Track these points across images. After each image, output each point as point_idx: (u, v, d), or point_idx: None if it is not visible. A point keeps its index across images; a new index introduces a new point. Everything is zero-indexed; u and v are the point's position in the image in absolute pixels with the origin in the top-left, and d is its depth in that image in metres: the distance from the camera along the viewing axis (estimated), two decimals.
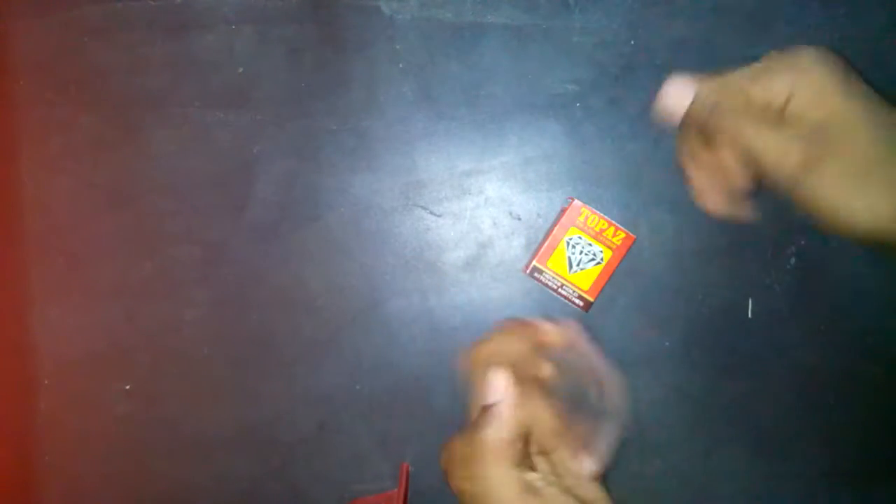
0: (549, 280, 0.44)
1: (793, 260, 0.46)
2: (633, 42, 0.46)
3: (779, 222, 0.45)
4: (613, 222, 0.43)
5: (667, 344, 0.46)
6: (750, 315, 0.46)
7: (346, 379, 0.48)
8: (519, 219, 0.47)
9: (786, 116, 0.36)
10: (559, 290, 0.44)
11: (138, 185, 0.48)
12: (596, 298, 0.44)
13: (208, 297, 0.48)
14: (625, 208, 0.46)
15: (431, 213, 0.47)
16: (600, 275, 0.44)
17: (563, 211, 0.44)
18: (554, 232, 0.44)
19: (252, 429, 0.48)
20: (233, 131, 0.47)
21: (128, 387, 0.48)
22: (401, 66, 0.47)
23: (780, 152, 0.35)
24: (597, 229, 0.43)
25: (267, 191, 0.47)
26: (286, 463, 0.48)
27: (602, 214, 0.43)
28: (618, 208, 0.45)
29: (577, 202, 0.44)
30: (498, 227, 0.47)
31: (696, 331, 0.46)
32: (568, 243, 0.44)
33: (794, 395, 0.46)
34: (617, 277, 0.43)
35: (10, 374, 0.48)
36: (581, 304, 0.44)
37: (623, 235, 0.43)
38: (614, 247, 0.43)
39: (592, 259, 0.44)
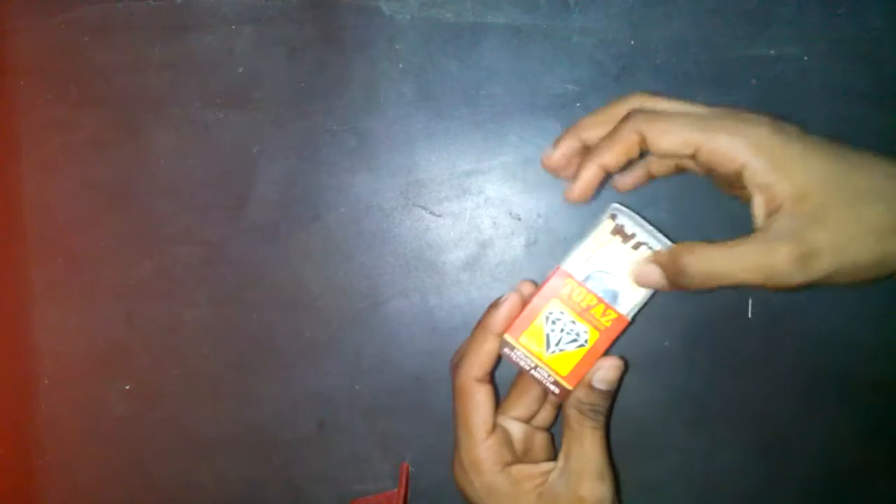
0: (520, 359, 0.37)
1: None
2: (633, 42, 0.46)
3: None
4: (604, 300, 0.36)
5: (667, 344, 0.46)
6: (750, 315, 0.46)
7: (346, 379, 0.48)
8: (519, 219, 0.47)
9: (747, 191, 0.33)
10: (532, 371, 0.37)
11: (138, 185, 0.48)
12: (576, 386, 0.37)
13: (208, 297, 0.48)
14: None
15: (431, 213, 0.47)
16: (583, 360, 0.36)
17: (547, 278, 0.37)
18: (533, 302, 0.37)
19: (252, 429, 0.48)
20: (233, 131, 0.47)
21: (128, 387, 0.48)
22: (401, 66, 0.47)
23: (765, 268, 0.32)
24: (584, 305, 0.36)
25: (267, 191, 0.47)
26: (286, 463, 0.48)
27: (591, 289, 0.36)
28: None
29: (563, 268, 0.37)
30: (498, 227, 0.47)
31: (696, 331, 0.46)
32: (548, 317, 0.37)
33: (794, 395, 0.46)
34: None
35: (10, 374, 0.48)
36: (557, 391, 0.37)
37: (614, 316, 0.36)
38: (603, 328, 0.36)
39: (575, 340, 0.37)
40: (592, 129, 0.37)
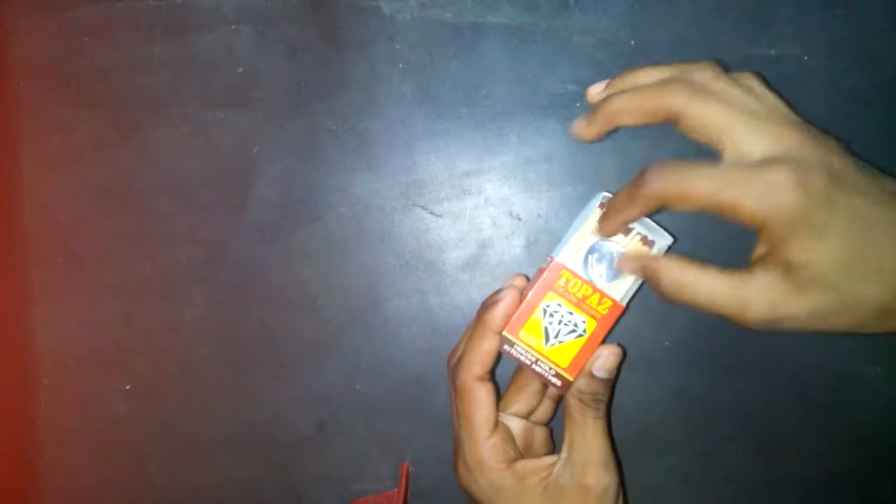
0: (520, 354, 0.37)
1: None
2: (633, 42, 0.46)
3: None
4: (599, 288, 0.37)
5: (667, 344, 0.46)
6: None
7: (346, 379, 0.48)
8: (519, 219, 0.47)
9: (759, 242, 0.32)
10: (533, 365, 0.37)
11: (138, 185, 0.48)
12: (577, 377, 0.37)
13: (208, 297, 0.48)
14: None
15: (431, 213, 0.47)
16: (582, 349, 0.37)
17: (540, 271, 0.38)
18: (529, 296, 0.37)
19: (252, 429, 0.48)
20: (233, 131, 0.47)
21: (128, 387, 0.48)
22: (401, 66, 0.47)
23: (736, 306, 0.31)
24: (579, 295, 0.37)
25: (267, 191, 0.47)
26: (286, 463, 0.48)
27: (586, 279, 0.37)
28: None
29: (556, 261, 0.37)
30: (498, 227, 0.47)
31: (696, 331, 0.46)
32: (545, 310, 0.37)
33: (794, 395, 0.46)
34: None
35: (10, 374, 0.48)
36: (559, 383, 0.37)
37: (610, 304, 0.37)
38: (599, 317, 0.37)
39: (573, 331, 0.37)
40: (644, 79, 0.35)
